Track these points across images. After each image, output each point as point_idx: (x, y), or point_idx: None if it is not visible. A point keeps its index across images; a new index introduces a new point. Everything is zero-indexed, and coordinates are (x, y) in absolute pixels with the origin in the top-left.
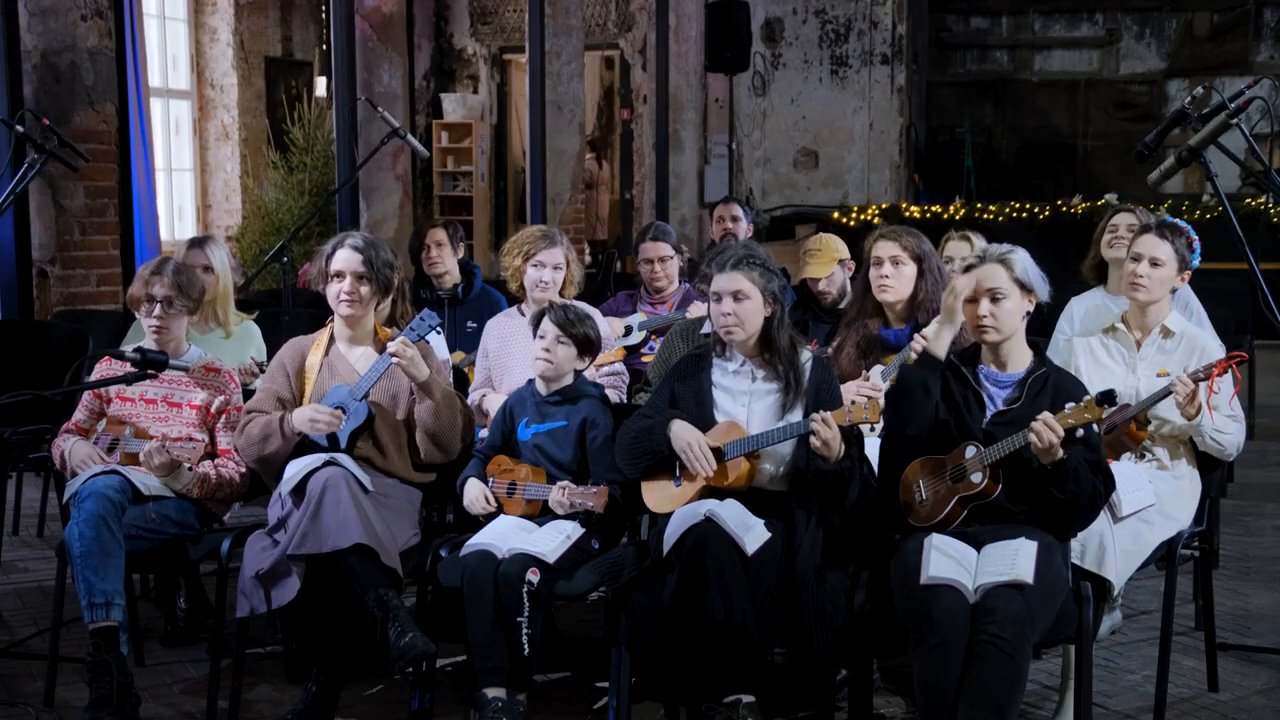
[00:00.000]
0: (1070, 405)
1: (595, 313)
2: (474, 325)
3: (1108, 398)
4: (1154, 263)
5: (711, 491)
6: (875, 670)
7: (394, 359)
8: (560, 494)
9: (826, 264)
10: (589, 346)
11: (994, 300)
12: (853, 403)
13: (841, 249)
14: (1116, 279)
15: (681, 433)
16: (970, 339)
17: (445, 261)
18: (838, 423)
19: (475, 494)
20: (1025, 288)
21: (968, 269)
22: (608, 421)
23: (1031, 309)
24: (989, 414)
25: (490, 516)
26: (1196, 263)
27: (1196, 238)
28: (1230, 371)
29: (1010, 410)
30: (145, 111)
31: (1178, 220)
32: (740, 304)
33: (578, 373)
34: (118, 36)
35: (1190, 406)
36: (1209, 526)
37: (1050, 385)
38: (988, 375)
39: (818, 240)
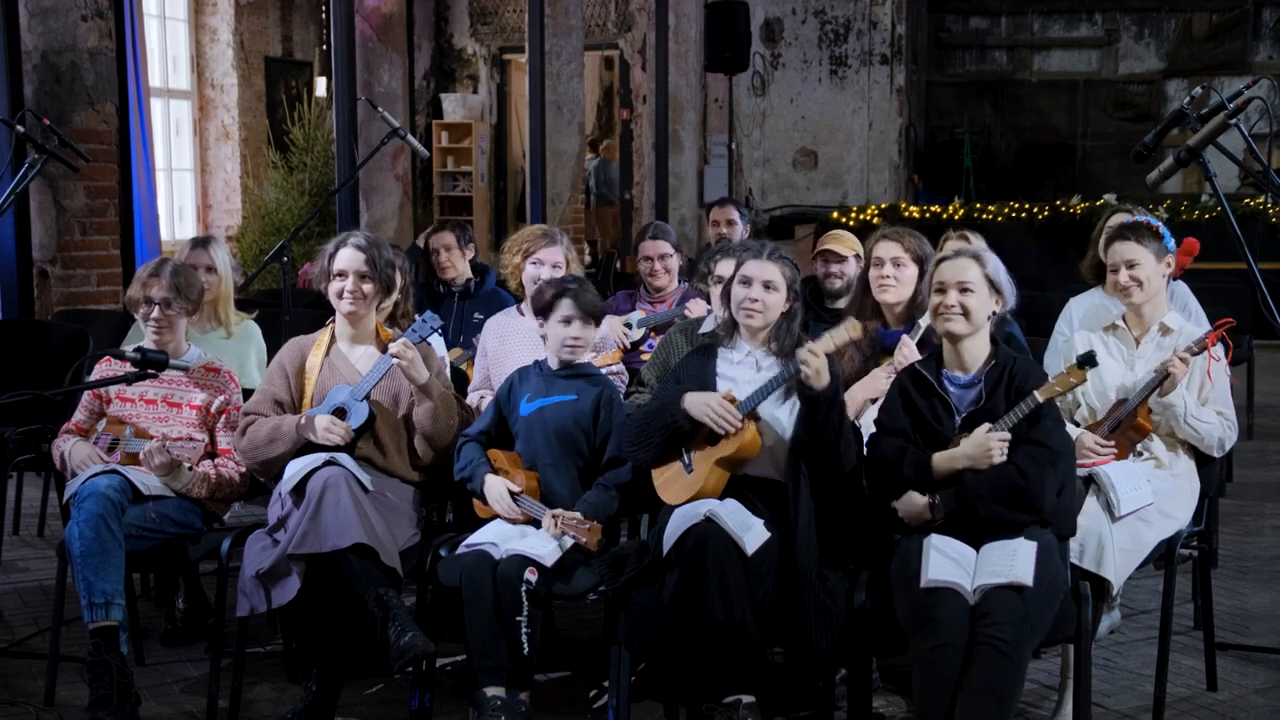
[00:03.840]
0: (1053, 376)
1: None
2: (480, 316)
3: (1088, 359)
4: (1130, 264)
5: (727, 478)
6: (875, 670)
7: (395, 360)
8: (552, 522)
9: (847, 246)
10: (601, 315)
11: (962, 291)
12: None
13: (860, 247)
14: (1114, 281)
15: (697, 399)
16: (937, 339)
17: (456, 265)
18: (823, 349)
19: (501, 492)
20: (995, 287)
21: (940, 261)
22: (621, 401)
23: (998, 310)
24: (958, 420)
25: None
26: (1171, 244)
27: (1159, 224)
28: (1223, 341)
29: (978, 409)
30: (145, 111)
31: (1136, 218)
32: (769, 293)
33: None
34: (118, 36)
35: (1168, 382)
36: (1208, 526)
37: (1006, 373)
38: (951, 379)
39: (839, 232)
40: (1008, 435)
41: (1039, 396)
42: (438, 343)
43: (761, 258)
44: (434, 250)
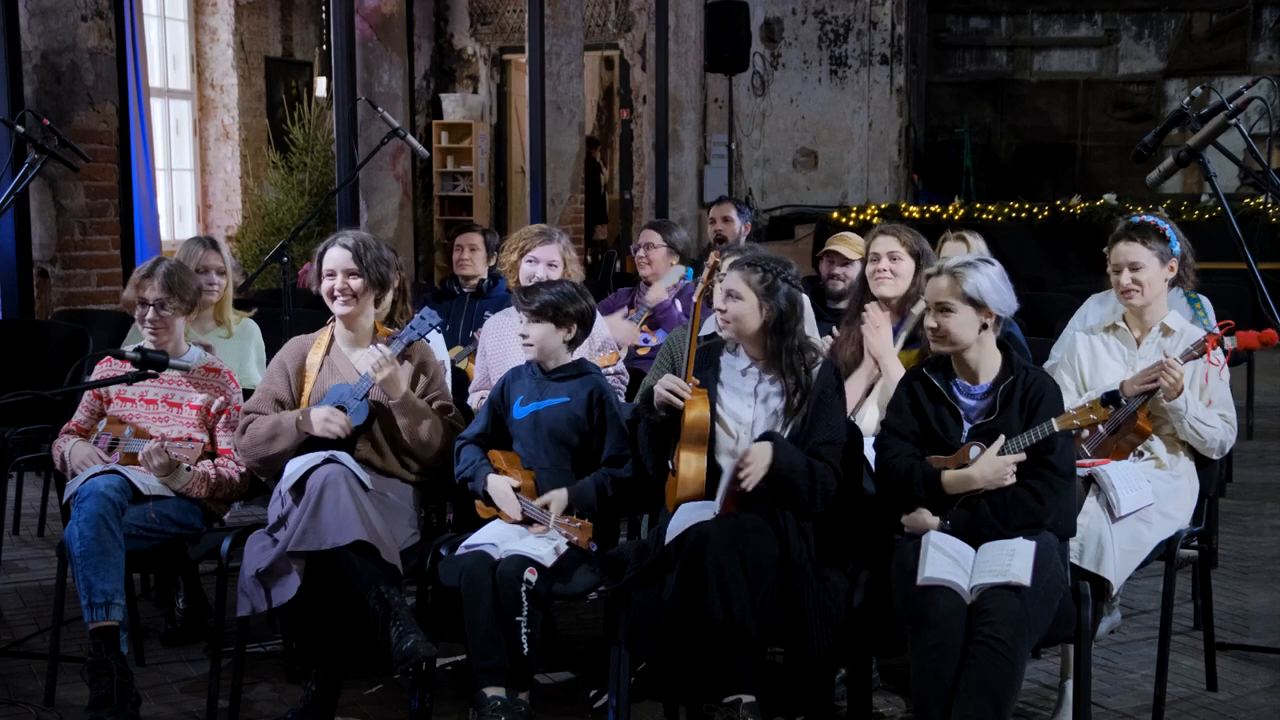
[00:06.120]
0: (1074, 408)
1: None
2: (491, 314)
3: (1112, 398)
4: (1133, 267)
5: (704, 462)
6: (874, 669)
7: (371, 373)
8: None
9: (854, 249)
10: (565, 317)
11: (942, 311)
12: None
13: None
14: (1115, 281)
15: (656, 387)
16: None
17: (476, 266)
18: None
19: (506, 490)
20: (974, 302)
21: (926, 278)
22: (615, 398)
23: (990, 321)
24: (966, 429)
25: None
26: (1176, 248)
27: (1166, 225)
28: (1222, 345)
29: (988, 422)
30: (145, 111)
31: (1143, 218)
32: (733, 303)
33: (568, 344)
34: (118, 36)
35: (1174, 389)
36: (1208, 526)
37: (1020, 386)
38: (960, 388)
39: (847, 234)
40: (1021, 457)
41: (1055, 426)
42: (439, 344)
43: (730, 267)
44: (458, 247)
